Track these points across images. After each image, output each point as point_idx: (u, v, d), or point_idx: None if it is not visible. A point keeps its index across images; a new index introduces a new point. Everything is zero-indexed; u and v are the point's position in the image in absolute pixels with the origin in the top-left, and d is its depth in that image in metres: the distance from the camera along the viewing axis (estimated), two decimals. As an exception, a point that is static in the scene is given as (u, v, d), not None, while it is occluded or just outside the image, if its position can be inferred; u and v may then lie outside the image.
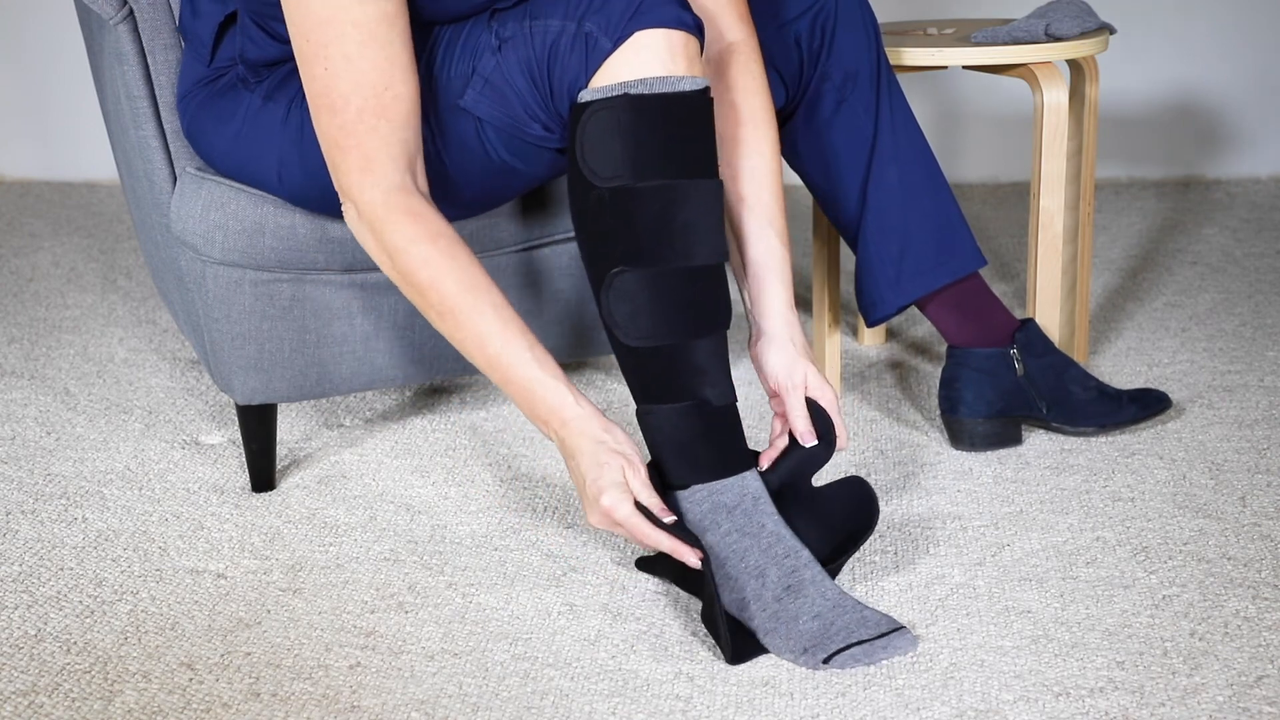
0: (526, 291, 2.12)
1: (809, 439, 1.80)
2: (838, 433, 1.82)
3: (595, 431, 1.70)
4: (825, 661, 1.63)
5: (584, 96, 1.68)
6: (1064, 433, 2.17)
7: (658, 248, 1.69)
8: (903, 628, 1.67)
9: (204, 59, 1.97)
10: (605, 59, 1.67)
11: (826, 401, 1.82)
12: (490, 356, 1.71)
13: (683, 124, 1.69)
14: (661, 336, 1.71)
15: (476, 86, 1.76)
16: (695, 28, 1.69)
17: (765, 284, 1.85)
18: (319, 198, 1.92)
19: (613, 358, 2.50)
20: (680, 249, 1.70)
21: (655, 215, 1.68)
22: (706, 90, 1.70)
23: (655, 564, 1.84)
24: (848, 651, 1.64)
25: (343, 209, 1.76)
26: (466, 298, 1.70)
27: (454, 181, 1.84)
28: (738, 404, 1.78)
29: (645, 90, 1.66)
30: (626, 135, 1.67)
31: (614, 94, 1.66)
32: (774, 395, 1.85)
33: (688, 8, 1.69)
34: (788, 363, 1.82)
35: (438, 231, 1.71)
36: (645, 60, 1.67)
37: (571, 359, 2.21)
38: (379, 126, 1.70)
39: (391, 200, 1.71)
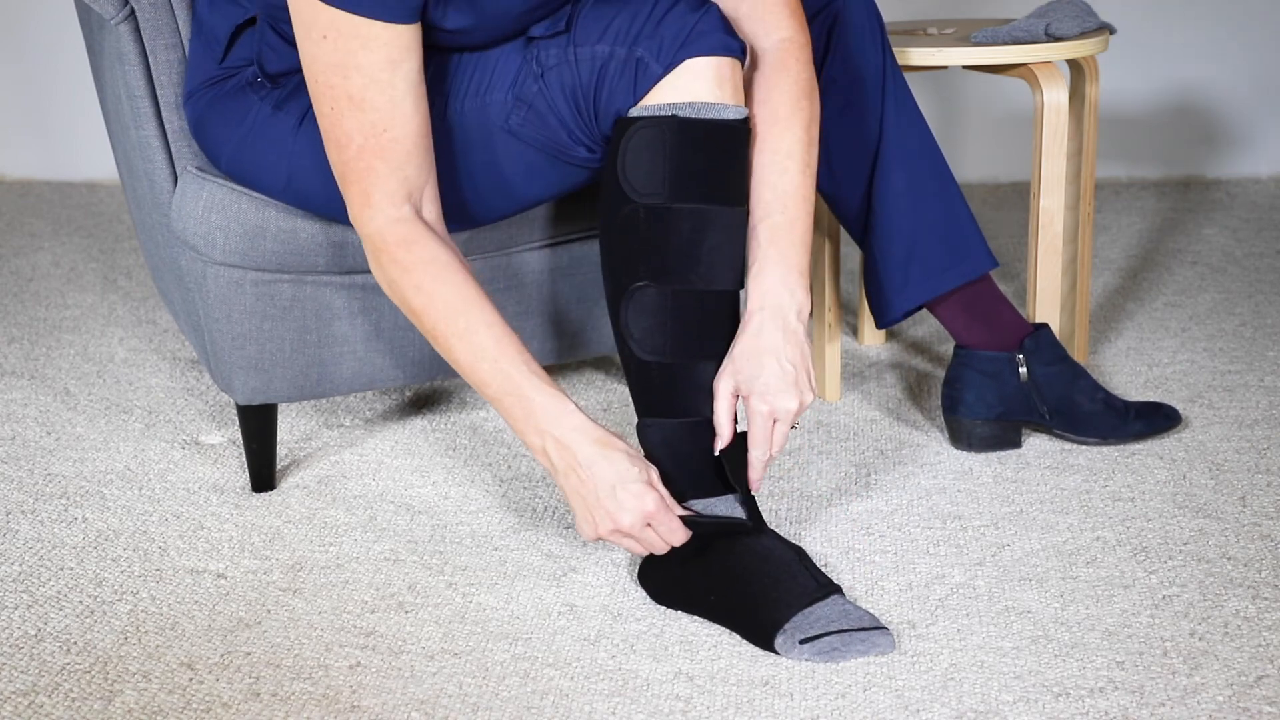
0: (511, 295, 2.12)
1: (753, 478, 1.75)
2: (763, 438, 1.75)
3: (605, 438, 1.70)
4: (802, 643, 1.64)
5: (631, 113, 1.72)
6: (1065, 439, 2.17)
7: (683, 268, 1.72)
8: (884, 628, 1.67)
9: (215, 57, 1.97)
10: (655, 84, 1.71)
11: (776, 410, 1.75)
12: (485, 373, 1.71)
13: (722, 151, 1.72)
14: (674, 354, 1.74)
15: (520, 112, 1.78)
16: (740, 52, 1.73)
17: (789, 223, 1.78)
18: (335, 203, 1.92)
19: (612, 358, 2.51)
20: (704, 272, 1.73)
21: (685, 236, 1.72)
22: (746, 120, 1.74)
23: (674, 597, 1.78)
24: (825, 639, 1.64)
25: None
26: (458, 320, 1.71)
27: (484, 198, 1.87)
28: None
29: (692, 114, 1.70)
30: (669, 155, 1.71)
31: (662, 113, 1.70)
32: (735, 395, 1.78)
33: (732, 33, 1.73)
34: (775, 294, 1.76)
35: (431, 258, 1.72)
36: (694, 86, 1.70)
37: (559, 361, 2.21)
38: (376, 166, 1.71)
39: (387, 231, 1.73)
